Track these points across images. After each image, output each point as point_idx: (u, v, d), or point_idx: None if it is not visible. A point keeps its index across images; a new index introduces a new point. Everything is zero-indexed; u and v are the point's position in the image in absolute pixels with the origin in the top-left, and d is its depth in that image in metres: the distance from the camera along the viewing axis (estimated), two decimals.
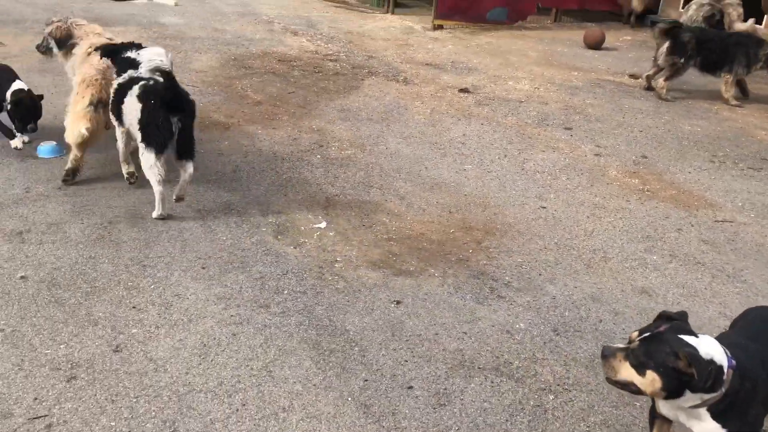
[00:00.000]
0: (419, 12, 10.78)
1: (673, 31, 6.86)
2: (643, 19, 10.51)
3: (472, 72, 7.46)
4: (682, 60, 6.81)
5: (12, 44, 6.96)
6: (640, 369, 1.97)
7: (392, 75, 7.10)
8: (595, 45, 9.01)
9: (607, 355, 2.03)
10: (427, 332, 3.05)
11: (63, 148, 4.51)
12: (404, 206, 4.24)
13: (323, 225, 3.92)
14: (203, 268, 3.42)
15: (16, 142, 4.58)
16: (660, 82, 6.94)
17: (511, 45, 8.94)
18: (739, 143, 5.82)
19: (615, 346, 2.06)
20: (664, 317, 2.10)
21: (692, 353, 1.92)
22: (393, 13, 10.45)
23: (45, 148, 4.56)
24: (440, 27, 9.57)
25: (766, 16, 9.15)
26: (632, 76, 7.74)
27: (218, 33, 8.26)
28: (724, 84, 6.91)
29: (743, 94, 7.18)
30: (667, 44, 6.82)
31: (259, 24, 9.00)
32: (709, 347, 1.96)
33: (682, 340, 1.96)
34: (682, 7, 9.56)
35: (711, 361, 1.93)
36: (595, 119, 6.15)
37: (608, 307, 3.33)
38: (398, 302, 3.25)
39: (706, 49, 6.76)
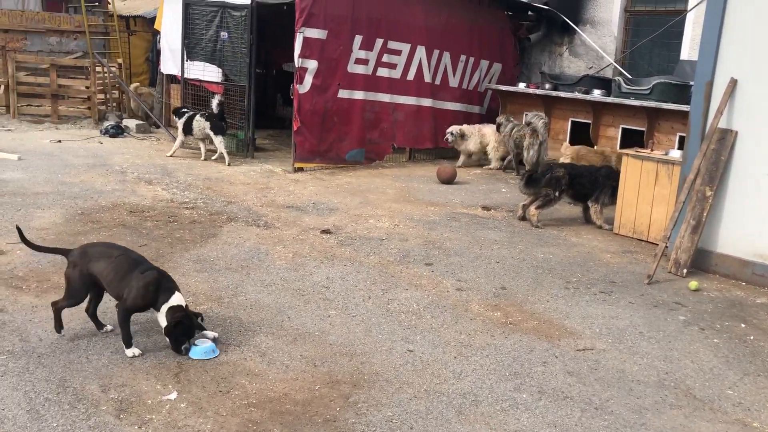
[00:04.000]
0: (280, 156, 10.92)
1: (549, 168, 7.56)
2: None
3: (333, 212, 7.48)
4: (557, 193, 7.39)
5: None
6: None
7: (253, 220, 6.96)
8: (448, 180, 9.45)
9: None
10: None
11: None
12: (266, 364, 3.95)
13: (173, 396, 3.53)
14: None
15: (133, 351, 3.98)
16: (532, 209, 7.43)
17: (370, 183, 9.16)
18: (588, 268, 6.10)
19: None
20: None
21: None
22: (253, 157, 10.49)
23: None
24: (301, 169, 9.67)
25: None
26: (485, 208, 8.10)
27: (65, 186, 7.82)
28: (593, 213, 7.52)
29: (587, 221, 7.71)
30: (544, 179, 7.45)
31: (111, 175, 8.66)
32: None
33: None
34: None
35: None
36: (454, 253, 6.26)
37: None
38: None
39: (578, 183, 7.43)
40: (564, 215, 8.05)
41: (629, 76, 10.37)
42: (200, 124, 9.93)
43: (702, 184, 6.02)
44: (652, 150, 7.31)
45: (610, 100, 9.74)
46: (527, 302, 5.16)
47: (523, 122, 10.20)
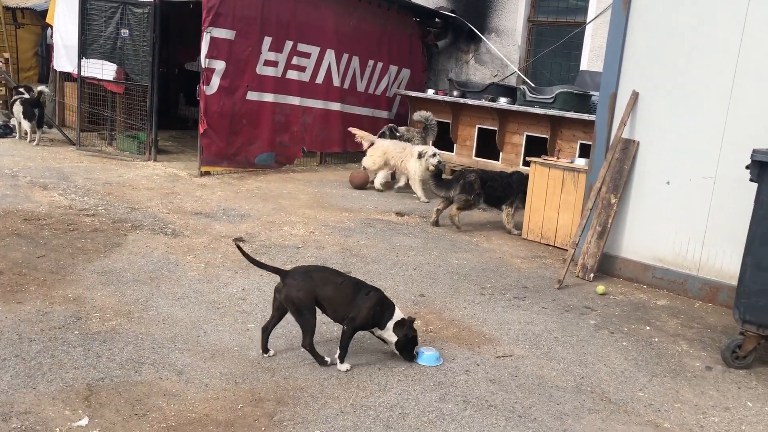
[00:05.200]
0: (184, 158, 10.55)
1: (461, 174, 7.73)
2: None
3: (245, 219, 7.28)
4: (471, 197, 7.57)
5: None
6: None
7: (159, 227, 6.66)
8: (361, 185, 9.44)
9: None
10: None
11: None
12: (183, 383, 3.76)
13: (84, 422, 3.29)
14: None
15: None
16: (453, 210, 7.65)
17: (282, 188, 9.00)
18: (501, 273, 6.24)
19: None
20: None
21: None
22: (155, 160, 10.06)
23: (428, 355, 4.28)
24: (208, 173, 9.37)
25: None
26: (398, 214, 8.14)
27: None
28: (505, 217, 7.71)
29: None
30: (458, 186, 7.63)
31: (0, 179, 8.05)
32: None
33: None
34: None
35: None
36: (372, 260, 6.24)
37: None
38: None
39: (490, 187, 7.63)
40: (474, 220, 8.21)
41: (533, 85, 10.74)
42: (18, 107, 10.72)
43: (607, 192, 6.29)
44: (557, 158, 7.58)
45: (515, 108, 10.03)
46: (446, 309, 5.21)
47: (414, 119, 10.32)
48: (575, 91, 9.64)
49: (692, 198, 5.89)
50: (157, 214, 7.17)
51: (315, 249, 6.43)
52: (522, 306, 5.44)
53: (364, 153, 10.66)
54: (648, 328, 5.19)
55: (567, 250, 6.39)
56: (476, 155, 10.73)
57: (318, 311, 4.11)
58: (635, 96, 6.17)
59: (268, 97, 9.98)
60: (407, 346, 4.20)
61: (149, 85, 9.90)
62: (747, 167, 4.45)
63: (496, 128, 10.45)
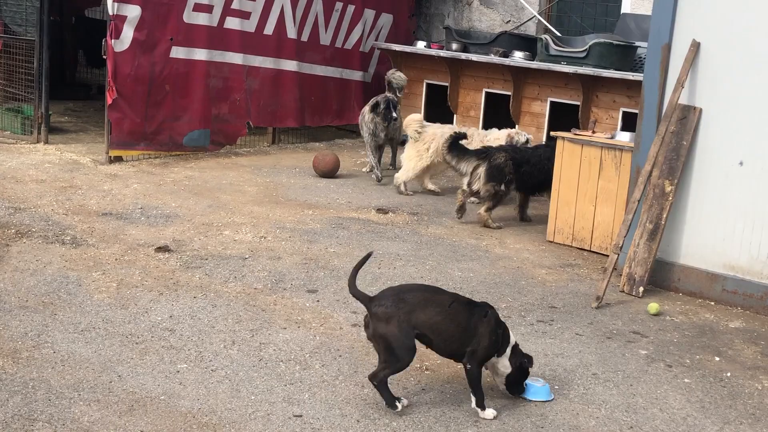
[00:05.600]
0: (86, 139, 10.52)
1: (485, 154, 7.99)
2: None
3: (171, 220, 7.27)
4: (502, 186, 7.85)
5: None
6: None
7: (54, 234, 6.63)
8: (329, 172, 9.44)
9: None
10: None
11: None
12: None
13: None
14: None
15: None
16: (481, 212, 7.92)
17: (221, 178, 9.00)
18: (520, 289, 6.28)
19: None
20: None
21: None
22: (47, 142, 9.99)
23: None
24: (119, 159, 9.33)
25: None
26: (381, 210, 8.16)
27: None
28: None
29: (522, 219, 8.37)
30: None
31: None
32: None
33: None
34: None
35: None
36: (345, 274, 6.17)
37: None
38: None
39: (525, 172, 7.95)
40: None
41: (558, 34, 10.80)
42: None
43: (660, 177, 6.35)
44: (593, 132, 7.64)
45: (535, 65, 10.09)
46: None
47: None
48: (616, 42, 9.72)
49: None
50: (50, 215, 7.13)
51: (268, 260, 6.42)
52: (549, 332, 5.47)
53: (333, 128, 10.65)
54: (717, 358, 5.25)
55: (607, 256, 6.43)
56: (484, 129, 10.76)
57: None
58: (696, 47, 6.23)
59: (200, 54, 9.94)
60: (519, 378, 4.39)
61: (37, 39, 9.80)
62: None
63: (509, 93, 10.50)
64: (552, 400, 4.49)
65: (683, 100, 6.33)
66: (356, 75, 12.06)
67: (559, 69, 9.77)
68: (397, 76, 9.97)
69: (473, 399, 4.20)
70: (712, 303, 6.26)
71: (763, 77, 5.99)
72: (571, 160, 7.46)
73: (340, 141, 11.89)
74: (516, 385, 4.39)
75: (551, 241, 7.61)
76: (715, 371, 5.05)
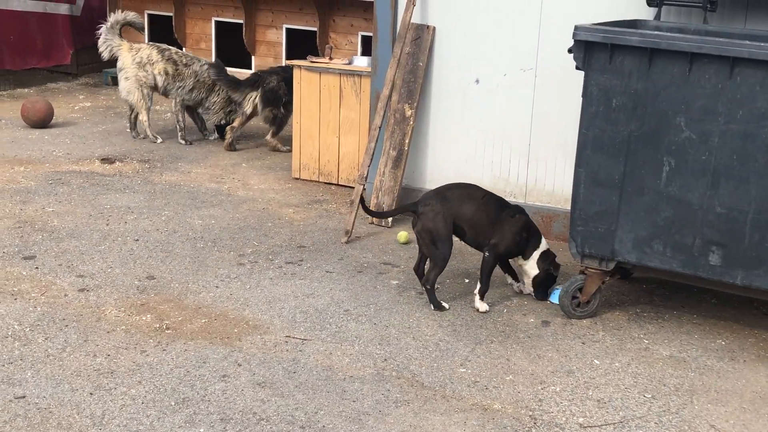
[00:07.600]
0: None
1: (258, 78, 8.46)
2: None
3: None
4: (281, 109, 8.32)
5: None
6: None
7: None
8: (42, 122, 9.02)
9: None
10: None
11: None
12: None
13: None
14: None
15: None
16: (268, 138, 8.49)
17: None
18: (267, 231, 6.32)
19: None
20: None
21: None
22: None
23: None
24: None
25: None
26: (105, 160, 7.92)
27: None
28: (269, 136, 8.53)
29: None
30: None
31: None
32: None
33: None
34: None
35: None
36: (68, 235, 6.02)
37: None
38: None
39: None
40: (220, 154, 8.19)
41: None
42: None
43: (400, 102, 6.57)
44: (331, 59, 7.74)
45: None
46: (188, 293, 5.21)
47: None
48: None
49: (510, 99, 6.34)
50: None
51: None
52: (298, 273, 5.57)
53: (43, 71, 10.08)
54: (467, 280, 5.58)
55: (354, 188, 6.60)
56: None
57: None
58: None
59: None
60: (545, 283, 5.18)
61: None
62: (570, 50, 4.85)
63: (241, 21, 10.40)
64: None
65: (416, 18, 6.54)
66: (62, 8, 11.46)
67: None
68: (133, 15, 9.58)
69: (478, 285, 5.06)
70: None
71: None
72: (310, 89, 7.53)
73: (53, 85, 11.35)
74: (541, 287, 5.17)
75: (297, 178, 7.70)
76: (464, 293, 5.37)
